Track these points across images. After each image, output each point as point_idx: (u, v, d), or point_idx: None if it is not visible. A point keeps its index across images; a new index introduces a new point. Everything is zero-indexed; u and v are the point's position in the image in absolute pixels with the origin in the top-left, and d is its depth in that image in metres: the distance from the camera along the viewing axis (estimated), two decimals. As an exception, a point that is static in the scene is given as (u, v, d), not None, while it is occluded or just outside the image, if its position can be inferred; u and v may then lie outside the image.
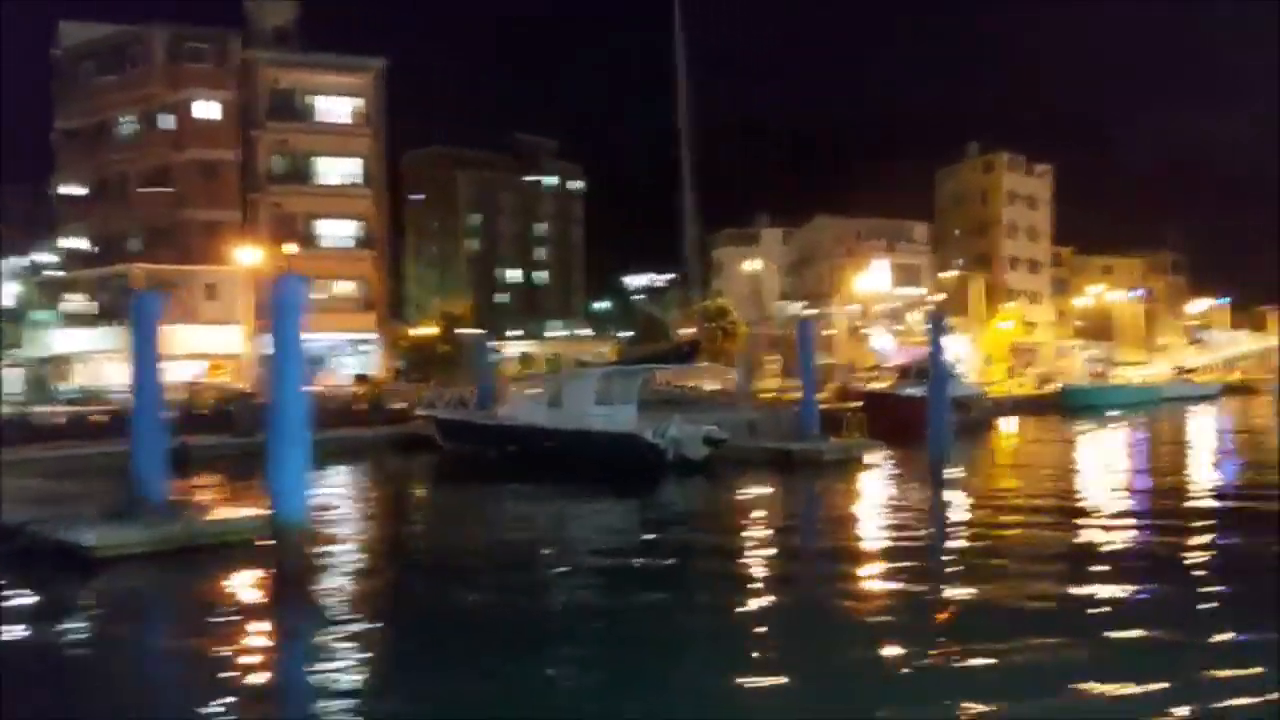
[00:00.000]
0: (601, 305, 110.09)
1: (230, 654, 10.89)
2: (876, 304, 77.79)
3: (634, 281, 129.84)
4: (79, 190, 53.80)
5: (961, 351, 74.60)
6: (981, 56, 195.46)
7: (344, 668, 10.47)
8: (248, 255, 47.89)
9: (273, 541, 14.25)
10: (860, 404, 41.57)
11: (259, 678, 10.43)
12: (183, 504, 17.13)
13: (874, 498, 23.31)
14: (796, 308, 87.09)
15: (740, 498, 23.16)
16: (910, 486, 24.39)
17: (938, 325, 27.36)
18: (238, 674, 10.24)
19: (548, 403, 27.49)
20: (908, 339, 76.15)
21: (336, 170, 54.10)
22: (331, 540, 16.96)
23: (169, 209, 51.18)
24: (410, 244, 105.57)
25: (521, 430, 27.14)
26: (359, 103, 54.40)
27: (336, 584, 14.36)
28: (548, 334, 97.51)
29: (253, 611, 13.08)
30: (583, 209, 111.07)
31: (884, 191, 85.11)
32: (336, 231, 54.26)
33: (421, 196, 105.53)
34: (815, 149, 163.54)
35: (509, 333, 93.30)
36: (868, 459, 27.60)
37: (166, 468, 16.09)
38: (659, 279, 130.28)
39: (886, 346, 74.87)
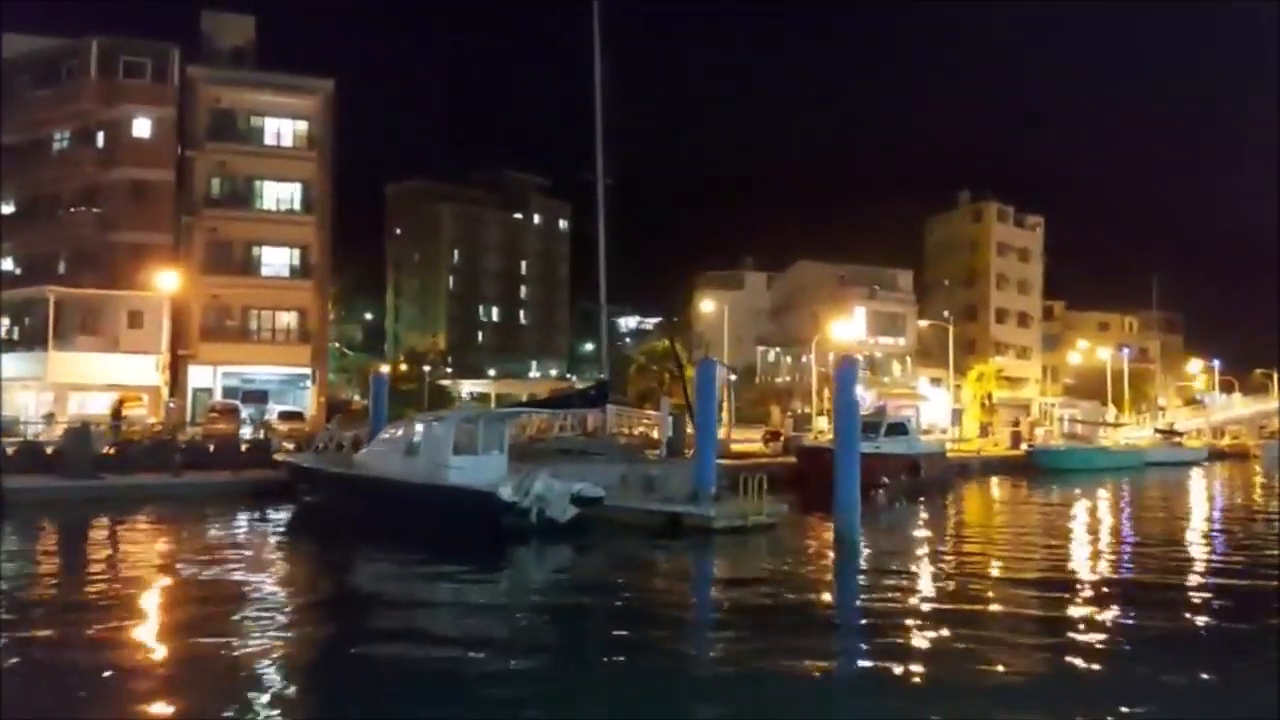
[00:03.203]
0: (585, 346, 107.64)
1: None
2: (854, 352, 74.95)
3: (628, 323, 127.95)
4: (8, 208, 51.57)
5: (940, 406, 71.81)
6: (981, 107, 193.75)
7: None
8: (168, 280, 45.49)
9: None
10: (794, 459, 38.87)
11: None
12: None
13: (742, 580, 19.80)
14: (774, 353, 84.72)
15: (577, 575, 20.00)
16: (793, 564, 21.33)
17: (847, 375, 24.30)
18: None
19: (404, 451, 24.51)
20: (888, 390, 73.43)
21: (278, 195, 51.85)
22: None
23: (96, 230, 48.92)
24: (390, 278, 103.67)
25: (369, 482, 24.19)
26: (304, 125, 52.21)
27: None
28: (529, 374, 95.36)
29: None
30: (569, 248, 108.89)
31: (874, 238, 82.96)
32: (276, 259, 51.92)
33: (399, 231, 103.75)
34: (807, 192, 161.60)
35: (489, 371, 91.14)
36: (767, 526, 24.46)
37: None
38: (646, 321, 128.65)
39: (863, 397, 71.97)
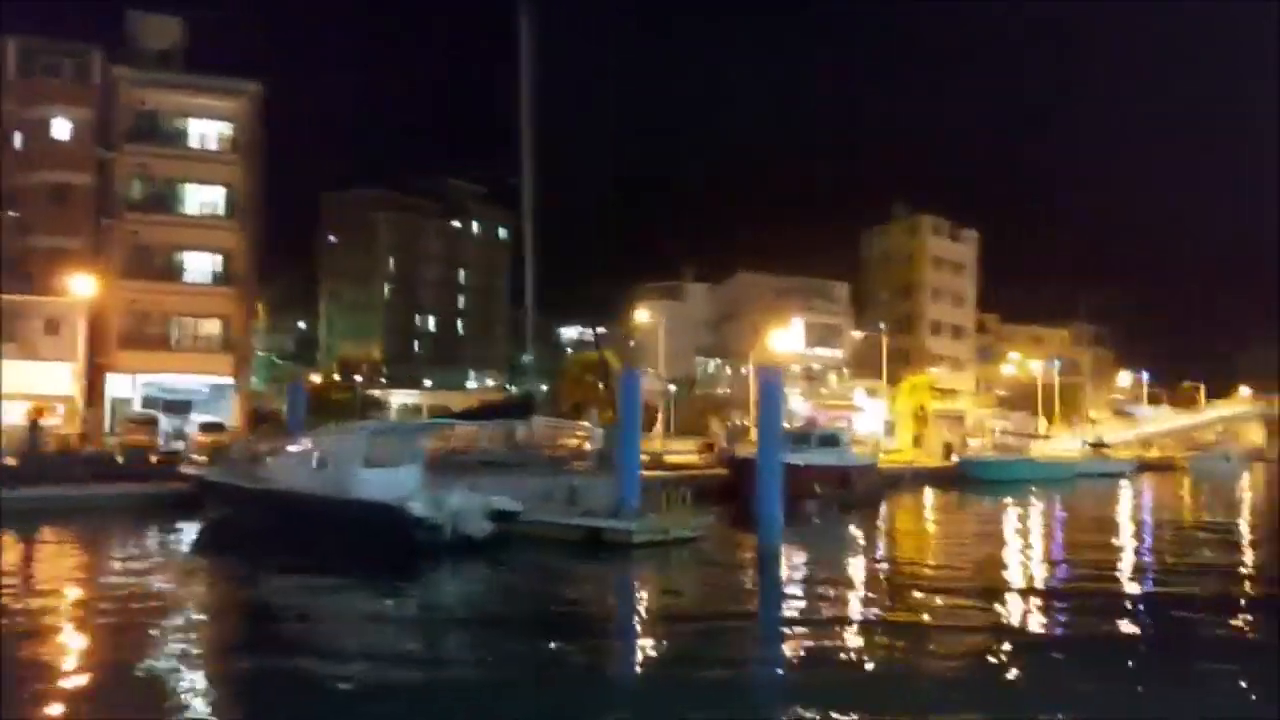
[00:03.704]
0: (526, 356, 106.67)
1: None
2: (791, 363, 75.20)
3: (567, 333, 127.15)
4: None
5: (874, 417, 72.16)
6: (919, 123, 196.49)
7: None
8: (84, 285, 44.08)
9: None
10: (728, 471, 38.54)
11: None
12: None
13: (655, 593, 19.56)
14: (714, 364, 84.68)
15: (482, 591, 19.41)
16: (708, 577, 21.04)
17: (770, 386, 24.07)
18: None
19: (315, 463, 23.73)
20: (824, 401, 73.66)
21: (201, 199, 50.54)
22: None
23: (14, 234, 47.25)
24: (325, 287, 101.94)
25: (278, 496, 23.33)
26: (230, 128, 50.97)
27: None
28: (463, 385, 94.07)
29: None
30: (514, 257, 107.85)
31: (813, 250, 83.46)
32: (199, 265, 50.59)
33: (335, 239, 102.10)
34: (751, 204, 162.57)
35: (422, 382, 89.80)
36: (690, 539, 24.11)
37: None
38: (589, 332, 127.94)
39: (800, 408, 72.15)
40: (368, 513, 21.25)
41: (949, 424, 75.85)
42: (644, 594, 19.48)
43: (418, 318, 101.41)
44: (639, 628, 16.39)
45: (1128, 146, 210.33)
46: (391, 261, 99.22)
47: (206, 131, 51.05)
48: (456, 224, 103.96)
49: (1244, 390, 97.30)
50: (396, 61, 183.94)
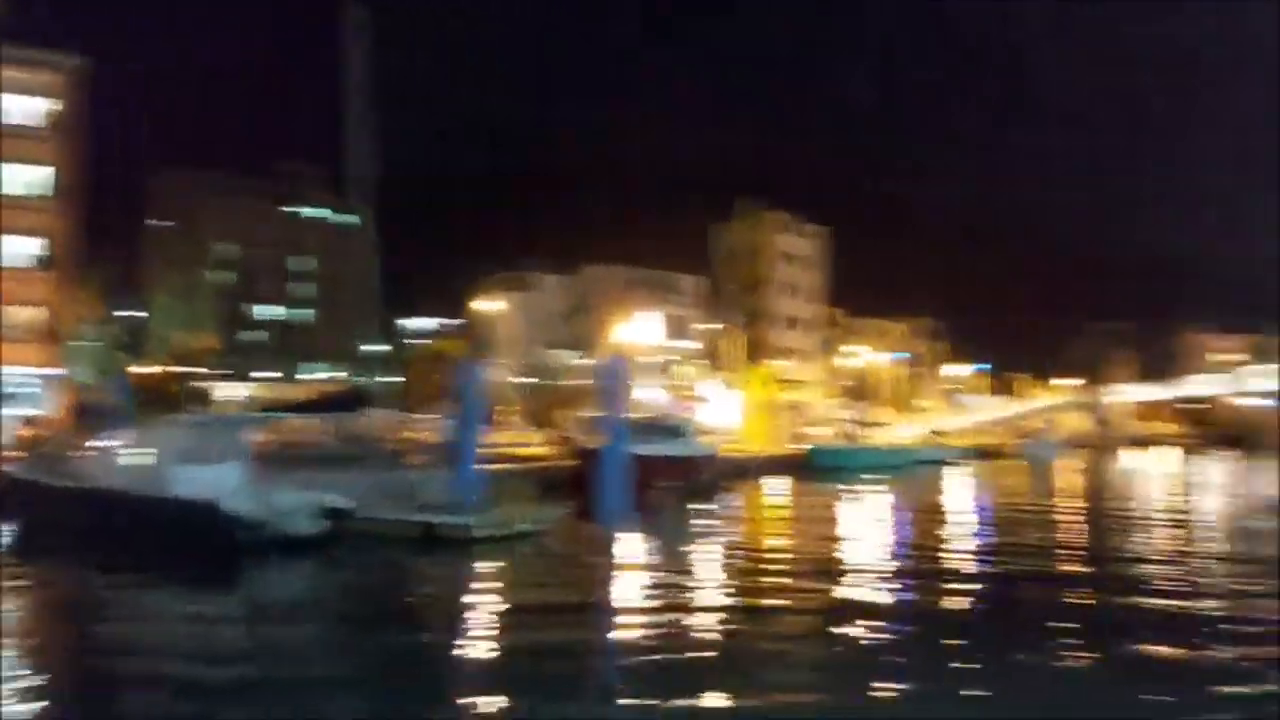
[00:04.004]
0: (374, 348, 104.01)
1: None
2: (644, 355, 75.71)
3: (418, 324, 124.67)
4: None
5: (724, 408, 73.30)
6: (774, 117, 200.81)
7: None
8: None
9: None
10: (577, 463, 38.35)
11: None
12: None
13: (491, 588, 19.17)
14: (570, 356, 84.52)
15: (308, 591, 18.77)
16: (544, 569, 20.88)
17: (611, 375, 23.98)
18: None
19: (130, 459, 22.26)
20: (678, 392, 74.41)
21: (18, 179, 47.25)
22: None
23: None
24: (157, 273, 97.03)
25: (89, 494, 21.87)
26: (50, 104, 47.82)
27: None
28: (303, 376, 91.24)
29: None
30: (360, 246, 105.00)
31: (666, 242, 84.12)
32: (16, 249, 47.29)
33: (169, 224, 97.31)
34: (602, 197, 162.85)
35: (259, 373, 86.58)
36: (532, 533, 23.80)
37: None
38: (448, 323, 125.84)
39: (656, 399, 72.69)
40: (185, 511, 20.09)
41: (796, 414, 77.79)
42: (478, 587, 19.09)
43: (258, 307, 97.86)
44: (472, 621, 16.05)
45: (969, 146, 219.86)
46: (230, 249, 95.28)
47: (26, 108, 47.81)
48: (303, 211, 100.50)
49: (1069, 381, 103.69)
50: (236, 42, 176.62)
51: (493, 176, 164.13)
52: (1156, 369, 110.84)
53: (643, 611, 16.46)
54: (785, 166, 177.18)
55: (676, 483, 38.94)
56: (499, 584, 19.43)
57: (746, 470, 49.25)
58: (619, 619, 16.17)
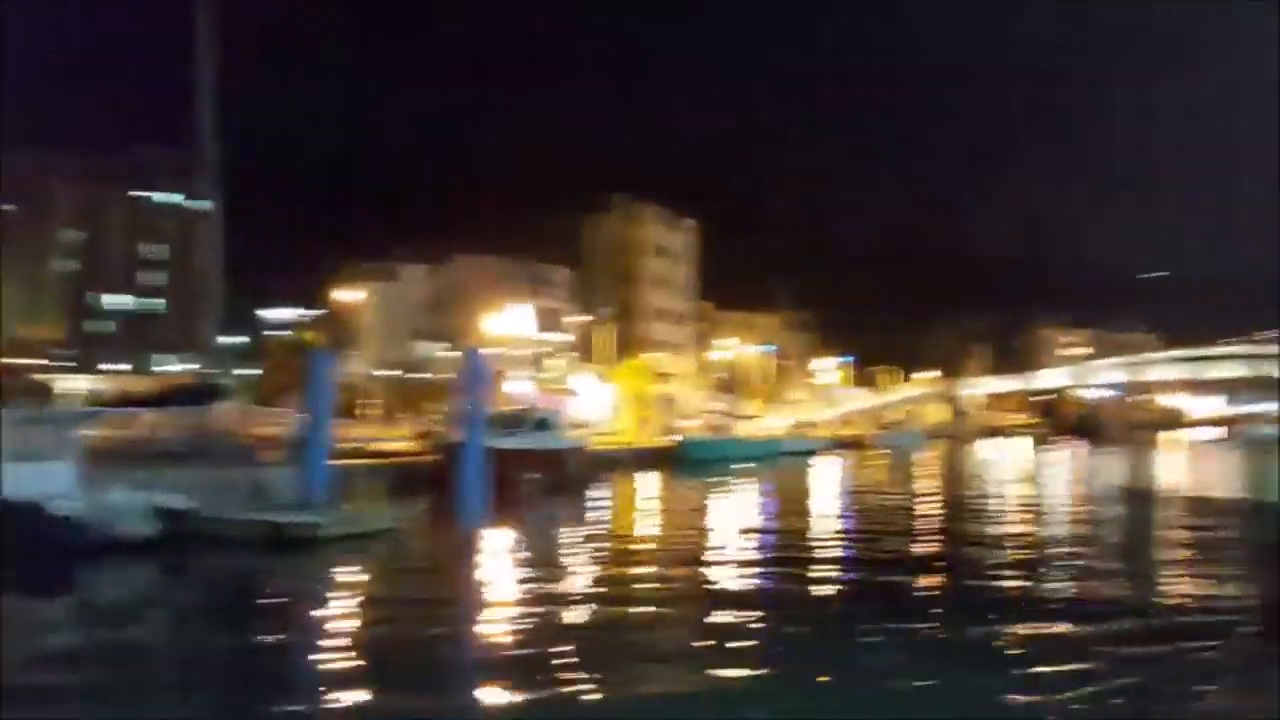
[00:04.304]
0: (231, 339, 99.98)
1: None
2: (515, 348, 74.86)
3: (277, 315, 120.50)
4: None
5: (596, 401, 73.06)
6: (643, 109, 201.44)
7: None
8: None
9: None
10: (439, 457, 37.45)
11: None
12: None
13: (338, 589, 18.26)
14: (435, 348, 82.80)
15: (138, 597, 17.57)
16: (404, 568, 20.11)
17: (475, 369, 23.29)
18: None
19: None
20: (549, 385, 73.77)
21: None
22: None
23: None
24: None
25: None
26: None
27: None
28: (156, 368, 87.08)
29: None
30: (218, 233, 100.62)
31: (537, 235, 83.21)
32: None
33: (13, 207, 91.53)
34: (474, 188, 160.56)
35: (107, 365, 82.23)
36: (386, 530, 22.86)
37: None
38: (308, 314, 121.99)
39: (526, 392, 71.91)
40: (8, 512, 18.55)
41: (667, 406, 78.12)
42: (319, 588, 18.11)
43: (106, 296, 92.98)
44: (316, 621, 15.25)
45: (833, 144, 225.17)
46: (73, 234, 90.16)
47: None
48: (154, 196, 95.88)
49: (928, 374, 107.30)
50: (89, 17, 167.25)
51: (359, 164, 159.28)
52: (1009, 362, 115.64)
53: (493, 605, 16.08)
54: (655, 162, 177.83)
55: (541, 476, 38.41)
56: (346, 584, 18.56)
57: (617, 463, 49.07)
58: (467, 613, 15.63)
